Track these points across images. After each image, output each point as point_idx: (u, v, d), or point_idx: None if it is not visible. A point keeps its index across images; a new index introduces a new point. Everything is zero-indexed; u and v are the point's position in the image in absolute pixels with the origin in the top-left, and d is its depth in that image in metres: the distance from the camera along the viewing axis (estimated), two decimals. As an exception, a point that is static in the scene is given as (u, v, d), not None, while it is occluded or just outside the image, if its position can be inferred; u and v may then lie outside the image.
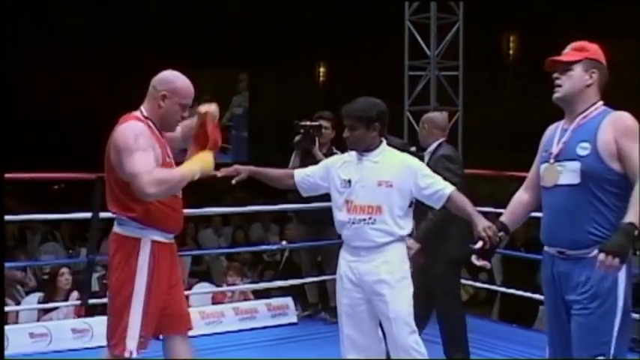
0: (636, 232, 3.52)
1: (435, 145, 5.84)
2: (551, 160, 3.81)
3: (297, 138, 7.13)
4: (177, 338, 4.53)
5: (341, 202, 4.49)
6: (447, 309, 5.76)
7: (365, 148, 4.46)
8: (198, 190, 16.18)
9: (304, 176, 4.67)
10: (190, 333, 6.62)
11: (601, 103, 3.82)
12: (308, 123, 7.07)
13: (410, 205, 4.47)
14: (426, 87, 9.29)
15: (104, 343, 4.29)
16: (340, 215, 4.49)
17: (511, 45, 17.59)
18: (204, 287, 8.54)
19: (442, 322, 5.78)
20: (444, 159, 5.64)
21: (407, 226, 4.47)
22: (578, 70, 3.81)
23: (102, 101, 16.29)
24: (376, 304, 4.44)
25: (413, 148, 8.06)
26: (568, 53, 3.88)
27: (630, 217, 3.53)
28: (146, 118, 4.23)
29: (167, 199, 4.24)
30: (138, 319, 4.21)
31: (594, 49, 3.88)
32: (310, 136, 7.01)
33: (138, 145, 4.05)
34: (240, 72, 19.61)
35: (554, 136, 3.88)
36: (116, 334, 4.21)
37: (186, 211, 7.14)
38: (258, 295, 7.86)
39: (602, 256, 3.48)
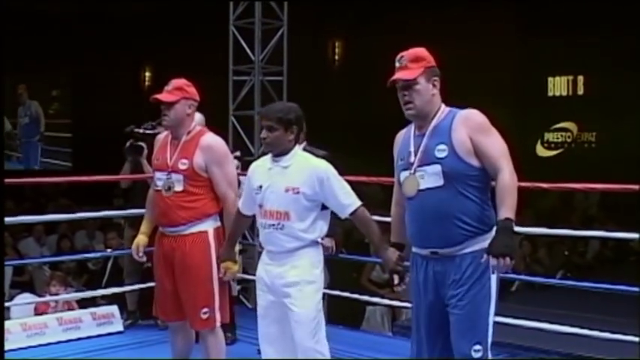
0: (513, 225, 3.64)
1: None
2: (412, 170, 3.89)
3: (127, 145, 7.02)
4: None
5: (255, 207, 4.53)
6: None
7: (280, 152, 4.46)
8: (20, 198, 15.73)
9: (245, 203, 4.69)
10: (12, 346, 6.48)
11: (444, 105, 3.95)
12: (141, 131, 6.96)
13: (323, 209, 4.47)
14: (250, 92, 9.30)
15: None
16: (257, 219, 4.55)
17: (337, 50, 17.85)
18: (26, 298, 8.29)
19: None
20: None
21: (317, 230, 4.47)
22: (423, 83, 3.90)
23: None
24: (285, 307, 4.44)
25: (237, 153, 8.10)
26: (406, 67, 3.92)
27: (504, 212, 3.64)
28: None
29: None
30: None
31: (428, 55, 3.97)
32: (139, 145, 6.92)
33: None
34: (22, 82, 19.37)
35: (409, 143, 3.97)
36: None
37: (8, 219, 7.02)
38: (85, 304, 7.70)
39: (493, 261, 3.59)
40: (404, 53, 3.96)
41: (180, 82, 5.06)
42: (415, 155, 3.90)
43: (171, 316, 5.12)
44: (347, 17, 16.13)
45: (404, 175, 3.96)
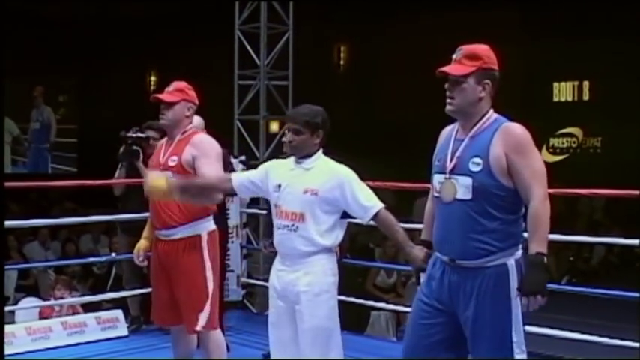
0: (545, 259, 3.51)
1: None
2: (447, 175, 3.75)
3: (122, 150, 7.02)
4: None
5: (272, 206, 4.48)
6: None
7: (304, 155, 4.41)
8: (26, 201, 15.73)
9: (243, 180, 4.58)
10: (17, 350, 6.49)
11: (492, 111, 3.77)
12: (134, 135, 6.97)
13: (342, 217, 4.40)
14: (255, 96, 9.32)
15: None
16: (273, 219, 4.48)
17: (342, 55, 17.86)
18: (31, 302, 8.29)
19: None
20: None
21: (333, 237, 4.39)
22: (471, 83, 3.72)
23: None
24: (296, 316, 4.38)
25: (242, 158, 8.10)
26: (460, 61, 3.76)
27: (535, 246, 3.51)
28: None
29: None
30: None
31: (487, 55, 3.78)
32: (135, 149, 6.92)
33: None
34: (36, 85, 19.18)
35: (448, 145, 3.80)
36: None
37: (14, 222, 7.03)
38: (90, 308, 7.70)
39: (524, 300, 3.50)
40: (463, 47, 3.79)
41: (182, 84, 5.09)
42: (451, 161, 3.75)
43: (167, 321, 5.12)
44: (352, 21, 16.13)
45: (439, 178, 3.81)
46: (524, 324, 3.77)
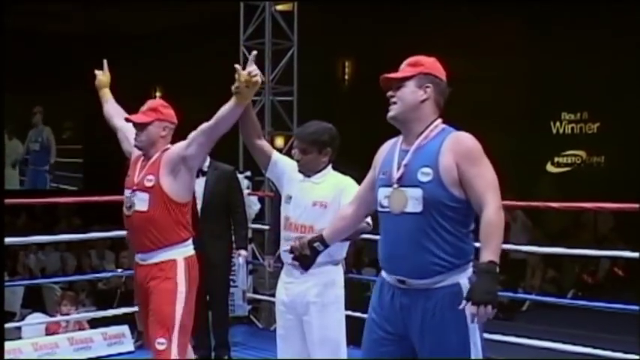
0: (497, 269, 3.29)
1: None
2: (395, 185, 3.53)
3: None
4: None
5: (282, 217, 4.52)
6: None
7: (313, 171, 4.48)
8: (32, 217, 15.70)
9: (278, 161, 4.57)
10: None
11: (440, 121, 3.60)
12: None
13: None
14: (261, 112, 9.33)
15: None
16: (282, 231, 4.51)
17: (346, 70, 17.86)
18: (37, 318, 8.29)
19: None
20: None
21: (341, 249, 4.46)
22: (410, 86, 3.58)
23: None
24: (304, 327, 4.42)
25: (248, 173, 8.10)
26: (402, 70, 3.66)
27: (488, 254, 3.28)
28: None
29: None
30: None
31: (430, 63, 3.66)
32: None
33: None
34: (40, 103, 18.91)
35: (393, 157, 3.63)
36: None
37: (19, 239, 7.04)
38: (97, 324, 7.70)
39: (473, 309, 3.21)
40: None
41: (156, 102, 4.92)
42: (398, 170, 3.56)
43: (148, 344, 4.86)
44: (356, 36, 16.15)
45: (384, 191, 3.60)
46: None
